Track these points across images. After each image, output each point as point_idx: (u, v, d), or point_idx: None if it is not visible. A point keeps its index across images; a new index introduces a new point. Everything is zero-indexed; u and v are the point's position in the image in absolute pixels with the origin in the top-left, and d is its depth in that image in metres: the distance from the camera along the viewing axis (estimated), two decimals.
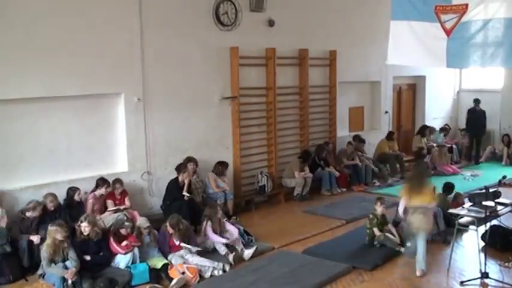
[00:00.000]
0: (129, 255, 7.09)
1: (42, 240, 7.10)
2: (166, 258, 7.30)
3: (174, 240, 7.48)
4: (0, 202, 7.39)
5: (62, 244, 6.63)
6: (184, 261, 7.22)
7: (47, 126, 8.13)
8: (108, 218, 7.82)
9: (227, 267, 7.29)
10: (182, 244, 7.41)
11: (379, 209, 8.23)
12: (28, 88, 7.71)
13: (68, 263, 6.56)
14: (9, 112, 7.72)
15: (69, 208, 7.78)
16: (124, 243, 7.14)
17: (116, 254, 7.12)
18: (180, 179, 8.86)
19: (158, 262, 7.17)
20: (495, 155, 15.01)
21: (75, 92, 8.23)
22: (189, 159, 9.36)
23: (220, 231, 8.01)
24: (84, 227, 6.91)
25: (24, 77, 7.63)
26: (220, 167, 9.70)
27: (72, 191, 7.90)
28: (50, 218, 7.32)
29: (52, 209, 7.53)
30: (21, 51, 7.61)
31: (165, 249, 7.45)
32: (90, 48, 8.28)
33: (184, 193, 8.77)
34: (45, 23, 7.82)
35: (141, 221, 7.58)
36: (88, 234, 6.93)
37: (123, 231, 7.20)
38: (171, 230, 7.46)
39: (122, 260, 7.06)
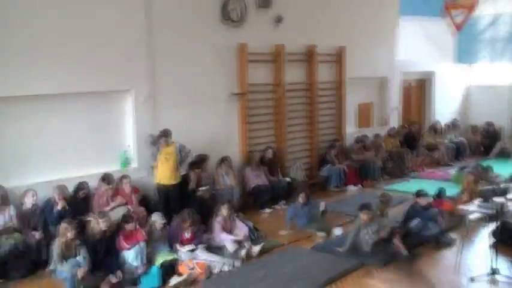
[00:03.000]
0: (133, 250, 7.08)
1: (50, 236, 7.18)
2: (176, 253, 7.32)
3: (185, 234, 7.52)
4: (10, 200, 7.46)
5: (74, 241, 6.68)
6: (194, 256, 7.25)
7: (56, 123, 8.18)
8: (112, 214, 7.85)
9: (237, 263, 7.30)
10: (178, 246, 7.44)
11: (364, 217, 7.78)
12: (37, 85, 7.75)
13: (79, 259, 6.61)
14: (19, 109, 7.78)
15: (75, 203, 7.82)
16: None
17: (123, 250, 7.14)
18: (192, 176, 8.91)
19: (167, 258, 7.17)
20: (504, 152, 14.92)
21: (84, 89, 8.27)
22: (205, 157, 9.45)
23: (230, 229, 8.02)
24: (103, 223, 6.92)
25: (33, 74, 7.68)
26: (222, 162, 9.75)
27: (81, 185, 8.00)
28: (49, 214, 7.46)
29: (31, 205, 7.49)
30: (31, 49, 7.65)
31: (175, 243, 7.46)
32: (99, 45, 8.32)
33: (201, 188, 8.86)
34: (54, 21, 7.86)
35: (156, 217, 7.59)
36: (105, 231, 6.94)
37: (129, 226, 7.24)
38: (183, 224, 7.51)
39: (129, 256, 7.07)
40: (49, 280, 6.86)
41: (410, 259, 7.42)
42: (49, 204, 7.56)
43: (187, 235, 7.55)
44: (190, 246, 7.42)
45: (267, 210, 9.97)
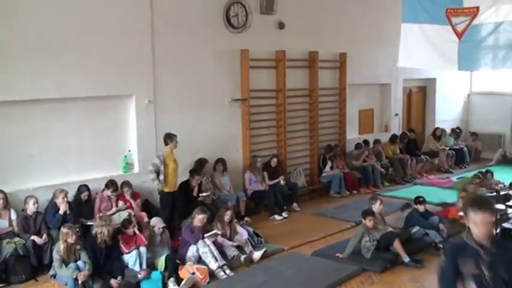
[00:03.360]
0: (134, 253, 7.09)
1: (51, 239, 7.21)
2: (179, 258, 7.32)
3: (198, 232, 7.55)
4: (11, 204, 7.49)
5: (74, 246, 6.69)
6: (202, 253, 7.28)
7: (58, 127, 8.20)
8: (114, 218, 7.90)
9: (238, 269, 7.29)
10: (206, 235, 7.47)
11: (376, 207, 8.06)
12: (40, 89, 7.78)
13: (80, 263, 6.61)
14: (22, 113, 7.81)
15: (78, 206, 7.85)
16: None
17: (123, 254, 7.16)
18: (193, 183, 8.93)
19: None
20: (506, 158, 14.93)
21: (86, 93, 8.29)
22: (204, 162, 9.47)
23: (231, 234, 8.02)
24: (106, 230, 6.91)
25: (36, 78, 7.71)
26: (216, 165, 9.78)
27: (82, 188, 8.03)
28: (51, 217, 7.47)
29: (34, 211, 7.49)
30: (34, 53, 7.68)
31: (193, 242, 7.39)
32: (101, 50, 8.35)
33: (201, 194, 8.88)
34: (57, 25, 7.90)
35: (156, 221, 7.59)
36: (107, 237, 6.95)
37: (128, 231, 7.26)
38: (198, 222, 7.49)
39: (130, 260, 7.10)
40: (50, 285, 6.87)
41: (411, 265, 7.43)
42: (51, 208, 7.57)
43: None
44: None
45: (277, 217, 9.92)
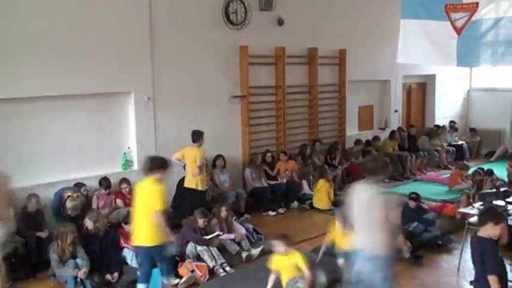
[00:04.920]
0: (132, 251, 7.07)
1: (50, 235, 7.21)
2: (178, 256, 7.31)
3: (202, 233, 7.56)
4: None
5: (71, 244, 6.67)
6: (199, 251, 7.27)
7: (57, 124, 8.21)
8: (112, 215, 7.98)
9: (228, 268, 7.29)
10: (207, 237, 7.46)
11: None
12: (39, 87, 7.78)
13: (78, 260, 6.60)
14: (21, 111, 7.81)
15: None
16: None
17: (123, 248, 7.19)
18: None
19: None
20: (506, 155, 14.91)
21: (85, 90, 8.30)
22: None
23: (228, 230, 8.00)
24: (87, 223, 6.95)
25: (35, 76, 7.71)
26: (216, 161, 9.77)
27: (78, 185, 8.02)
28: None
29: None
30: (33, 51, 7.68)
31: (200, 241, 7.37)
32: (100, 47, 8.34)
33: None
34: (57, 23, 7.90)
35: None
36: (91, 230, 6.95)
37: (127, 227, 7.24)
38: (201, 223, 7.52)
39: (128, 255, 7.11)
40: (50, 281, 6.86)
41: (410, 261, 7.43)
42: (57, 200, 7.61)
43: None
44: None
45: (271, 213, 9.93)
